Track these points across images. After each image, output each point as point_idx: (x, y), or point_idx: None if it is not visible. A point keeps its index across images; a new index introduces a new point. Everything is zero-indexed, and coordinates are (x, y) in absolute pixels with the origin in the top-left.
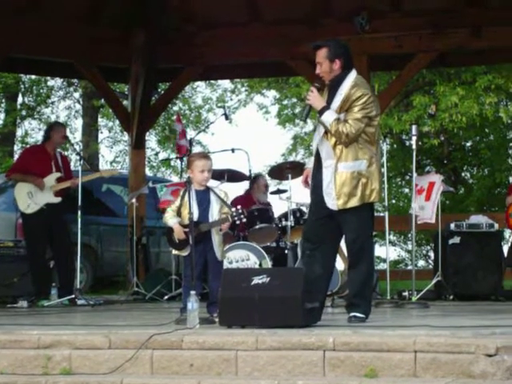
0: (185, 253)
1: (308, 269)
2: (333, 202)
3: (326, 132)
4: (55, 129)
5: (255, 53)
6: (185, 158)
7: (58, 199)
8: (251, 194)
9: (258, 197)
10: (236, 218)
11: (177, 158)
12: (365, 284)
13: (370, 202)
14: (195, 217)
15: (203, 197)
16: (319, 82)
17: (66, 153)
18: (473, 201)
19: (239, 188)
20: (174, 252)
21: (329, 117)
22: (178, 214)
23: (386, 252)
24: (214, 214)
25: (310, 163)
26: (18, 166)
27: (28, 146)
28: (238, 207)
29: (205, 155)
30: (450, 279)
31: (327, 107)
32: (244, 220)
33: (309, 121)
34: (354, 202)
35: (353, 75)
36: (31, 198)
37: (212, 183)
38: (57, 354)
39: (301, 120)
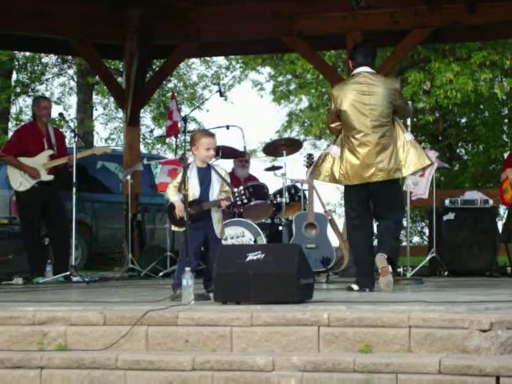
0: (181, 228)
1: None
2: None
3: None
4: (36, 104)
5: (250, 30)
6: (179, 136)
7: (51, 177)
8: (234, 170)
9: (237, 172)
10: (238, 199)
11: (163, 136)
12: None
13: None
14: (197, 195)
15: (205, 175)
16: None
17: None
18: (467, 177)
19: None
20: (174, 228)
21: None
22: (179, 190)
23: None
24: (215, 192)
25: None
26: (10, 146)
27: (22, 123)
28: (240, 188)
29: (211, 133)
30: (445, 255)
31: None
32: (245, 201)
33: (303, 97)
34: None
35: None
36: (23, 175)
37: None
38: (52, 330)
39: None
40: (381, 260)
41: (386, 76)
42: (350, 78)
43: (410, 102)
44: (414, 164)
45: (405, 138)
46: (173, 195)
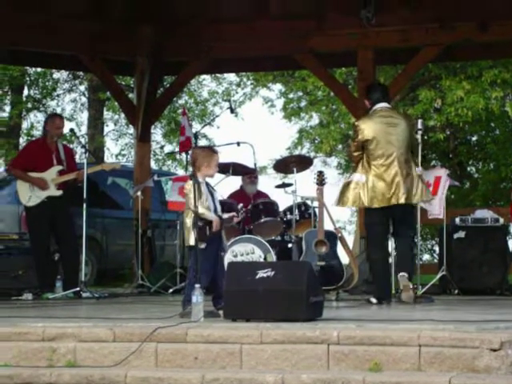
0: (203, 245)
1: None
2: None
3: None
4: (49, 121)
5: (261, 47)
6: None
7: (60, 192)
8: (242, 187)
9: (246, 189)
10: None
11: (179, 152)
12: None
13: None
14: (212, 210)
15: (209, 190)
16: None
17: (71, 145)
18: (478, 195)
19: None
20: (202, 246)
21: None
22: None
23: (391, 246)
24: (219, 206)
25: None
26: (19, 161)
27: (33, 138)
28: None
29: (217, 150)
30: (455, 273)
31: None
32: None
33: (314, 114)
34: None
35: None
36: (32, 190)
37: (217, 177)
38: (61, 346)
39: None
40: (403, 279)
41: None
42: (373, 113)
43: (420, 120)
44: (421, 195)
45: (416, 170)
46: (209, 213)
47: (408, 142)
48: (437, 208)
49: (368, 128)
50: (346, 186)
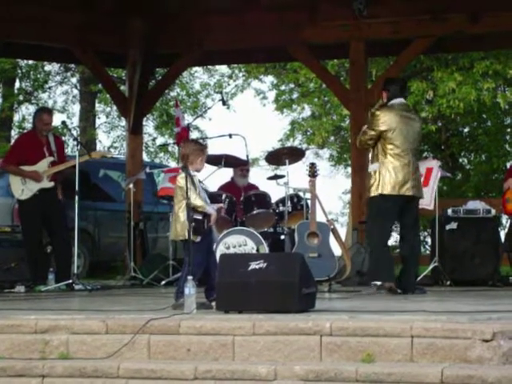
0: (198, 239)
1: None
2: None
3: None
4: (37, 116)
5: (253, 38)
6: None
7: (52, 184)
8: (233, 179)
9: (237, 181)
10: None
11: (175, 143)
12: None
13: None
14: (204, 201)
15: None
16: None
17: (63, 138)
18: (470, 186)
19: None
20: (197, 239)
21: None
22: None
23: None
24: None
25: None
26: (12, 156)
27: (25, 131)
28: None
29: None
30: (447, 265)
31: None
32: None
33: (306, 106)
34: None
35: None
36: (25, 184)
37: (209, 169)
38: (54, 338)
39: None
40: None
41: None
42: (392, 106)
43: None
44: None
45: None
46: (208, 206)
47: (419, 141)
48: (427, 199)
49: (389, 119)
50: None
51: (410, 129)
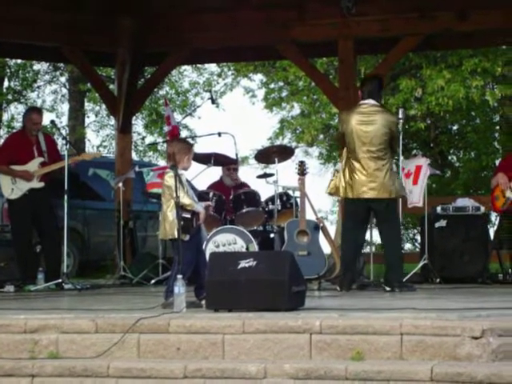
0: (187, 237)
1: None
2: None
3: None
4: (27, 116)
5: (242, 37)
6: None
7: (42, 184)
8: (222, 178)
9: (225, 180)
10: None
11: (166, 142)
12: None
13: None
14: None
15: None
16: None
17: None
18: (459, 184)
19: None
20: (187, 238)
21: None
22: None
23: (371, 235)
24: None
25: None
26: (2, 156)
27: (14, 130)
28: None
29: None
30: (437, 262)
31: None
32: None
33: (295, 104)
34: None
35: None
36: (15, 183)
37: (199, 167)
38: (44, 338)
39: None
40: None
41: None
42: (355, 108)
43: (401, 109)
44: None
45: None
46: (197, 204)
47: (383, 140)
48: (416, 196)
49: (347, 122)
50: (334, 174)
51: (368, 133)
